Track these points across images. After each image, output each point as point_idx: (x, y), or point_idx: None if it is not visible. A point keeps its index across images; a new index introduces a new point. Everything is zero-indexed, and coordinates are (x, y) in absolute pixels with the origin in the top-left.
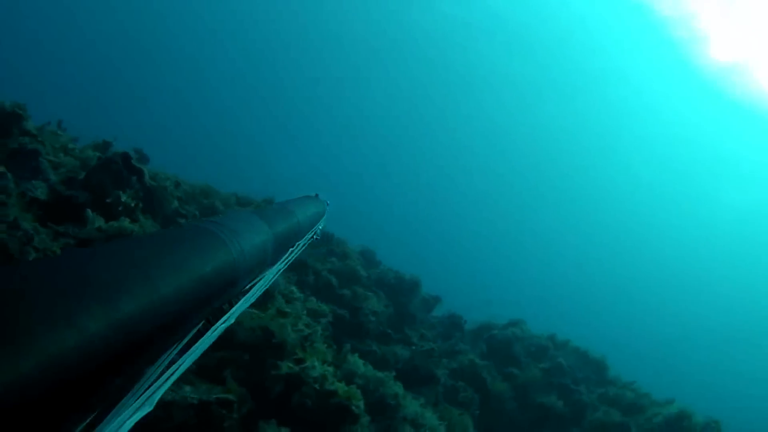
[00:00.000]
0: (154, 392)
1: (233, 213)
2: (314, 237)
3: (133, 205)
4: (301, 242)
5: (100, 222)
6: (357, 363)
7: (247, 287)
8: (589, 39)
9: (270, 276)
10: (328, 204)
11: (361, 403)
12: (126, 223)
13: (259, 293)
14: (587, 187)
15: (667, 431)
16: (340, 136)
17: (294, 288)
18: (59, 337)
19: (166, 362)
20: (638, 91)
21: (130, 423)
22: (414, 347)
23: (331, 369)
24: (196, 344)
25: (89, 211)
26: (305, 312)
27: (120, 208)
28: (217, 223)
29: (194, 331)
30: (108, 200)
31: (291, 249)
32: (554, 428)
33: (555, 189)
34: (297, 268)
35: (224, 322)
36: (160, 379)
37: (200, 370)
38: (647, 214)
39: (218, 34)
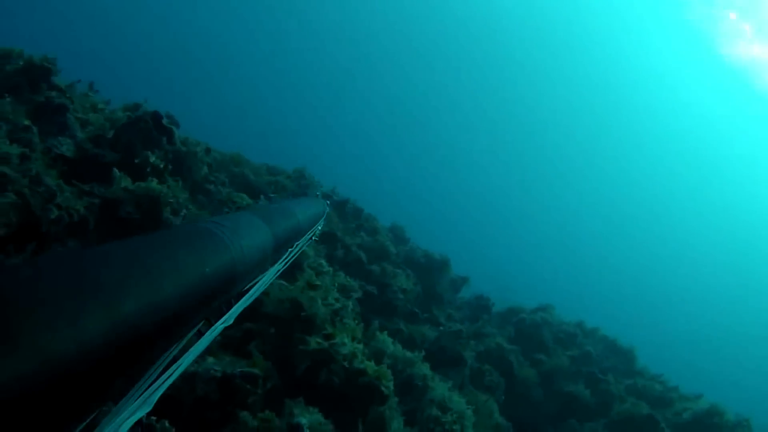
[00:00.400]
0: (153, 392)
1: (233, 213)
2: (313, 238)
3: (162, 166)
4: (301, 242)
5: (127, 182)
6: (386, 341)
7: (247, 287)
8: (619, 35)
9: (270, 276)
10: (328, 204)
11: (391, 384)
12: (154, 183)
13: (258, 293)
14: (618, 177)
15: (696, 428)
16: (373, 115)
17: (323, 261)
18: (60, 337)
19: (166, 362)
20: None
21: (130, 422)
22: (441, 328)
23: (360, 347)
24: (196, 344)
25: (116, 171)
26: (334, 286)
27: (148, 169)
28: (218, 223)
29: (194, 331)
30: (136, 160)
31: (290, 249)
32: (580, 418)
33: (585, 179)
34: (326, 240)
35: (224, 323)
36: (160, 379)
37: (225, 341)
38: (677, 208)
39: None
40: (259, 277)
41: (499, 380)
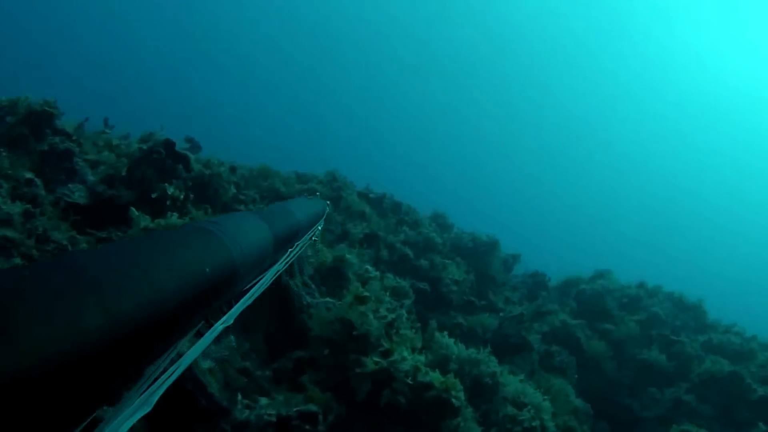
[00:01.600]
0: (153, 392)
1: (233, 214)
2: (313, 239)
3: (182, 197)
4: (301, 242)
5: (146, 221)
6: (448, 344)
7: (247, 287)
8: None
9: (270, 276)
10: (329, 204)
11: (461, 394)
12: (174, 218)
13: (258, 293)
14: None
15: None
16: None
17: (369, 266)
18: (59, 338)
19: (166, 362)
20: None
21: (130, 423)
22: (501, 314)
23: (422, 357)
24: (196, 344)
25: (134, 210)
26: (385, 292)
27: (168, 203)
28: (217, 224)
29: (194, 331)
30: (154, 195)
31: (290, 249)
32: (659, 385)
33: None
34: (370, 243)
35: (223, 323)
36: (160, 379)
37: (276, 375)
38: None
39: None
40: (259, 277)
41: (569, 359)
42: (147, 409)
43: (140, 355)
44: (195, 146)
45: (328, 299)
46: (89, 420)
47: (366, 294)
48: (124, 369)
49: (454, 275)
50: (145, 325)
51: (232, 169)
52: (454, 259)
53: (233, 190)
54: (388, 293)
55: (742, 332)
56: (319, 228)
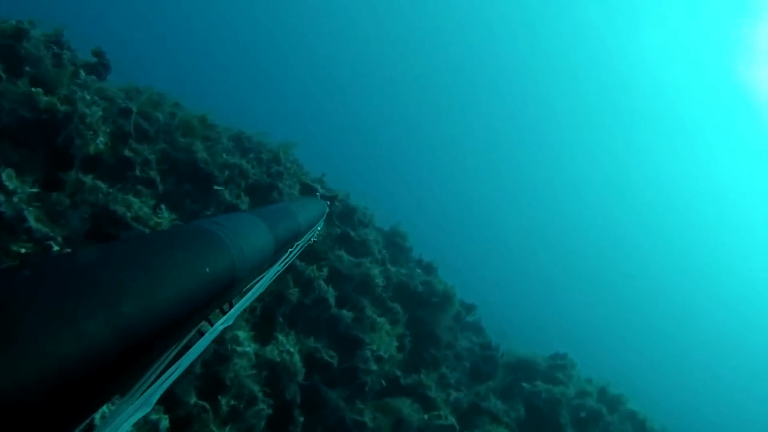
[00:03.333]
0: (153, 393)
1: (234, 213)
2: (311, 239)
3: None
4: (301, 242)
5: None
6: None
7: (247, 287)
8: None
9: (270, 276)
10: (329, 204)
11: None
12: None
13: (258, 293)
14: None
15: None
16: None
17: (240, 334)
18: (60, 339)
19: (166, 362)
20: None
21: (130, 423)
22: (426, 417)
23: None
24: (196, 345)
25: None
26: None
27: None
28: (218, 224)
29: (194, 331)
30: None
31: (290, 250)
32: None
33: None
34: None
35: (224, 323)
36: (160, 379)
37: None
38: None
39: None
40: (259, 278)
41: None
42: (147, 410)
43: (140, 356)
44: (105, 65)
45: None
46: (89, 420)
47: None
48: (125, 369)
49: (381, 347)
50: (145, 326)
51: (124, 112)
52: (393, 309)
53: (101, 143)
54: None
55: None
56: (319, 228)
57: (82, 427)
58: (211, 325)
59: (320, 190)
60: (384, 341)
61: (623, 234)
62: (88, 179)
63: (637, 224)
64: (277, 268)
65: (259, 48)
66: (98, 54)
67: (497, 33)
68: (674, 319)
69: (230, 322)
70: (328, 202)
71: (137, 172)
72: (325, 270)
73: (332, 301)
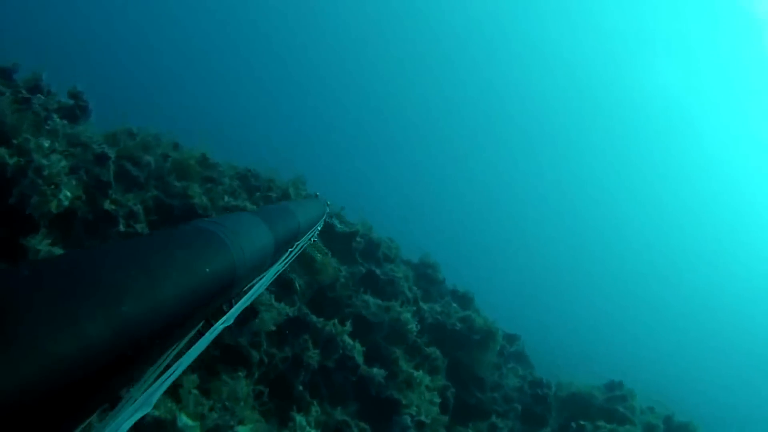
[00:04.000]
0: (153, 393)
1: (234, 213)
2: (311, 239)
3: None
4: (301, 242)
5: None
6: None
7: (247, 287)
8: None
9: (270, 276)
10: (328, 204)
11: None
12: None
13: (258, 293)
14: None
15: None
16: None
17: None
18: (60, 339)
19: (166, 362)
20: None
21: (129, 423)
22: None
23: None
24: (196, 344)
25: None
26: None
27: None
28: (218, 224)
29: (194, 331)
30: None
31: (290, 249)
32: None
33: None
34: (296, 328)
35: (224, 323)
36: (160, 379)
37: None
38: None
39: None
40: (260, 277)
41: None
42: (147, 410)
43: (141, 356)
44: (82, 107)
45: None
46: (89, 420)
47: None
48: (125, 369)
49: (422, 408)
50: (145, 326)
51: (100, 158)
52: (431, 355)
53: (65, 198)
54: None
55: None
56: (319, 228)
57: (82, 427)
58: (212, 324)
59: (339, 226)
60: (424, 400)
61: (631, 232)
62: (43, 245)
63: (645, 222)
64: (277, 268)
65: (259, 55)
66: (75, 95)
67: (497, 33)
68: (687, 315)
69: (230, 322)
70: (329, 202)
71: (121, 227)
72: (348, 323)
73: (360, 359)
